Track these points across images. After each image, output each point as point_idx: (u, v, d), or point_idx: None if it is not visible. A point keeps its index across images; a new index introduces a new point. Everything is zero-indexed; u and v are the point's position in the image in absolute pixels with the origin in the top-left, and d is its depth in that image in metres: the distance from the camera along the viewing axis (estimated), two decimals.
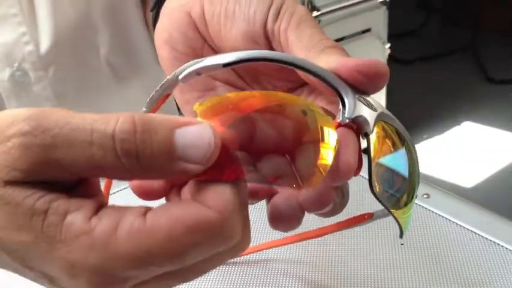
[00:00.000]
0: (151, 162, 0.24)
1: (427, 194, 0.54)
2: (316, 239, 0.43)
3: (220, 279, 0.45)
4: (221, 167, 0.25)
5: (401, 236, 0.33)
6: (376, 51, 1.93)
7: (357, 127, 0.29)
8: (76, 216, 0.24)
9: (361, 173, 0.30)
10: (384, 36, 1.94)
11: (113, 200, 0.28)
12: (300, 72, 0.31)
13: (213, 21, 0.36)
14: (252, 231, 0.28)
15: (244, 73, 0.38)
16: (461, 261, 0.46)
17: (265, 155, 0.27)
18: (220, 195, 0.25)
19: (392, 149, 0.31)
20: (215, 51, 0.37)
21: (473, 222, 0.50)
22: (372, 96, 0.31)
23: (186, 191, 0.29)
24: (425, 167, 2.02)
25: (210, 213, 0.24)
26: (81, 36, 0.61)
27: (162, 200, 0.28)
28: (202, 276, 0.45)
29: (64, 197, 0.25)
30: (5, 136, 0.24)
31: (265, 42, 0.34)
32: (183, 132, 0.25)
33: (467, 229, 0.49)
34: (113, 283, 0.25)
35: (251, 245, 0.46)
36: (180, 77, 0.30)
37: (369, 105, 0.29)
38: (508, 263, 0.45)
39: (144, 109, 0.34)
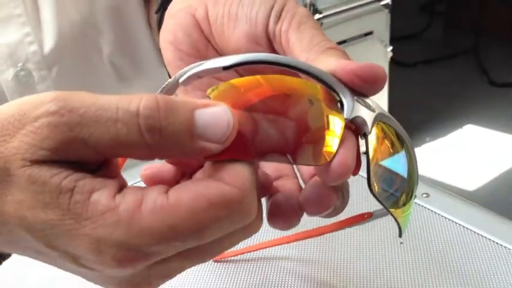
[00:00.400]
0: (173, 138, 0.25)
1: (426, 194, 0.54)
2: (316, 237, 0.43)
3: (223, 277, 0.46)
4: (236, 148, 0.27)
5: (400, 235, 0.33)
6: (378, 54, 1.93)
7: (356, 128, 0.30)
8: (101, 194, 0.25)
9: (360, 173, 0.30)
10: (386, 39, 1.94)
11: None
12: (300, 74, 0.31)
13: (216, 23, 0.36)
14: None
15: (246, 74, 0.38)
16: (461, 260, 0.46)
17: (271, 141, 0.28)
18: (238, 173, 0.26)
19: (391, 149, 0.32)
20: (219, 52, 0.38)
21: (473, 222, 0.50)
22: (372, 98, 0.31)
23: (198, 176, 0.29)
24: (427, 170, 2.02)
25: (230, 190, 0.25)
26: (85, 37, 0.61)
27: None
28: (206, 273, 0.45)
29: (89, 176, 0.25)
30: (32, 117, 0.25)
31: (267, 44, 0.35)
32: (203, 113, 0.26)
33: (467, 228, 0.49)
34: (136, 259, 0.25)
35: (252, 243, 0.47)
36: (181, 80, 0.31)
37: (367, 106, 0.30)
38: (507, 262, 0.45)
39: None
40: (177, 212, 0.25)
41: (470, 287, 0.43)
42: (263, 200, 0.34)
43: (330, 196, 0.31)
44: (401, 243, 0.48)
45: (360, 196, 0.52)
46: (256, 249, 0.47)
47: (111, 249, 0.25)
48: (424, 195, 0.53)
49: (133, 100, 0.25)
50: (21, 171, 0.25)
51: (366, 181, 0.29)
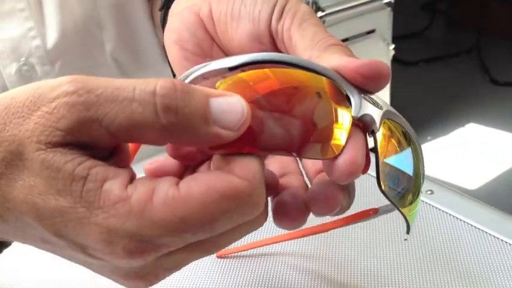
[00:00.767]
0: (188, 120, 0.25)
1: (430, 190, 0.54)
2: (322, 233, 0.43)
3: (227, 272, 0.45)
4: (245, 140, 0.27)
5: (408, 232, 0.33)
6: (380, 52, 1.93)
7: (364, 125, 0.29)
8: (114, 183, 0.25)
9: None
10: (389, 37, 1.94)
11: None
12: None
13: (220, 22, 0.36)
14: None
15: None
16: (465, 257, 0.46)
17: (279, 134, 0.28)
18: (248, 165, 0.26)
19: (398, 147, 0.32)
20: (224, 50, 0.38)
21: (477, 218, 0.50)
22: (376, 94, 0.31)
23: (203, 169, 0.29)
24: (429, 169, 2.01)
25: (240, 182, 0.26)
26: (88, 32, 0.61)
27: None
28: (210, 270, 0.45)
29: (102, 164, 0.25)
30: (50, 98, 0.25)
31: (270, 42, 0.35)
32: (218, 100, 0.26)
33: (471, 225, 0.49)
34: (147, 251, 0.25)
35: (256, 239, 0.46)
36: (187, 81, 0.30)
37: (375, 104, 0.30)
38: (511, 259, 0.45)
39: None
40: (188, 204, 0.25)
41: (475, 284, 0.43)
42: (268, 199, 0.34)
43: (337, 196, 0.31)
44: (406, 239, 0.48)
45: (365, 192, 0.51)
46: (261, 246, 0.47)
47: (123, 239, 0.25)
48: (429, 192, 0.53)
49: (151, 82, 0.25)
50: (36, 155, 0.24)
51: (370, 177, 0.29)
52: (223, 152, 0.27)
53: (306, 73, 0.29)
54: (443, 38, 3.18)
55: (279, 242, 0.47)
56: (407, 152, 0.32)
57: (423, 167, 0.33)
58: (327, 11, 1.75)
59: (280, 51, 0.34)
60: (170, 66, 0.40)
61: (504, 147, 2.20)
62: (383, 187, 0.30)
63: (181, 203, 0.25)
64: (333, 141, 0.28)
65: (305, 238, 0.48)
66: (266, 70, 0.28)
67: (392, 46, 1.95)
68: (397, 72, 2.09)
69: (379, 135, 0.30)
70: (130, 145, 0.30)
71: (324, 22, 1.74)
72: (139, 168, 0.32)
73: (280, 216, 0.32)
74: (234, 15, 0.35)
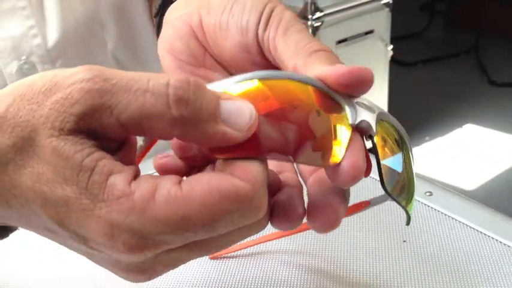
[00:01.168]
0: (198, 115, 0.26)
1: (429, 192, 0.54)
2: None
3: (221, 272, 0.46)
4: (248, 146, 0.27)
5: (408, 223, 0.34)
6: (378, 53, 1.93)
7: (361, 131, 0.30)
8: (118, 178, 0.25)
9: None
10: (387, 38, 1.94)
11: None
12: None
13: (210, 32, 0.37)
14: None
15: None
16: (464, 258, 0.46)
17: (279, 142, 0.28)
18: (251, 168, 0.27)
19: (393, 146, 0.32)
20: (216, 59, 0.38)
21: (476, 220, 0.50)
22: (372, 97, 0.31)
23: (208, 170, 0.30)
24: (427, 169, 2.02)
25: (242, 184, 0.26)
26: (89, 31, 0.61)
27: None
28: (205, 269, 0.45)
29: (110, 157, 0.26)
30: (66, 84, 0.25)
31: (258, 51, 0.35)
32: (228, 102, 0.27)
33: (470, 227, 0.49)
34: (147, 247, 0.26)
35: (249, 239, 0.46)
36: None
37: (368, 109, 0.30)
38: (510, 261, 0.45)
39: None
40: (190, 203, 0.25)
41: (473, 286, 0.43)
42: None
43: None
44: (404, 241, 0.48)
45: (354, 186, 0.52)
46: (255, 244, 0.47)
47: (124, 234, 0.25)
48: (427, 194, 0.53)
49: (165, 75, 0.26)
50: (48, 142, 0.25)
51: None
52: (227, 156, 0.27)
53: (300, 85, 0.29)
54: (442, 39, 3.19)
55: (272, 239, 0.47)
56: (400, 153, 0.33)
57: (413, 159, 0.34)
58: (326, 12, 1.75)
59: (268, 61, 0.35)
60: None
61: (502, 147, 2.21)
62: (388, 189, 0.30)
63: (183, 201, 0.25)
64: (334, 149, 0.29)
65: (298, 235, 0.48)
66: (262, 87, 0.28)
67: (391, 47, 1.95)
68: (395, 73, 2.09)
69: (376, 138, 0.30)
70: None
71: (322, 23, 1.74)
72: (145, 166, 0.32)
73: (277, 218, 0.31)
74: (222, 25, 0.36)
